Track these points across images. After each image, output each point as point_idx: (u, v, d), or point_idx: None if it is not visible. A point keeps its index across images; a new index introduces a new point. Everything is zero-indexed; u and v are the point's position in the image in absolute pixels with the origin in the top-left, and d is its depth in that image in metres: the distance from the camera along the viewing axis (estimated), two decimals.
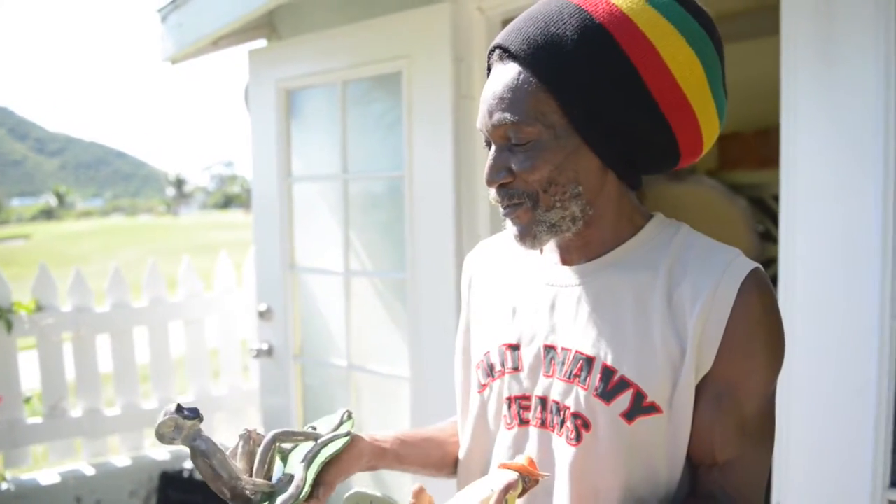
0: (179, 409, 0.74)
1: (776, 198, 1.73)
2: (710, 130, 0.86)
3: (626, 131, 0.83)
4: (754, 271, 0.83)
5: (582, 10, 0.80)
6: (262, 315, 2.86)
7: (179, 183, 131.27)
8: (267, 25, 3.03)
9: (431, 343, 2.32)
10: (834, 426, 1.53)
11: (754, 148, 3.37)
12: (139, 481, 3.10)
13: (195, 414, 0.74)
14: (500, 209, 0.89)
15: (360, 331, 2.64)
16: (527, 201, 0.85)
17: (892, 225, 1.44)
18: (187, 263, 3.40)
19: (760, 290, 0.82)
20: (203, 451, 0.74)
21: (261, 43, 3.07)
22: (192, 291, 3.38)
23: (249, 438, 0.81)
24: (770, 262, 2.25)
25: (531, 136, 0.82)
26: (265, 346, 2.85)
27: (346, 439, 0.88)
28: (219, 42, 2.97)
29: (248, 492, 0.76)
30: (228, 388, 3.48)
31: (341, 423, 0.91)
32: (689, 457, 0.86)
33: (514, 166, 0.84)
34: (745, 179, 3.60)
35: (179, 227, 41.25)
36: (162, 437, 0.74)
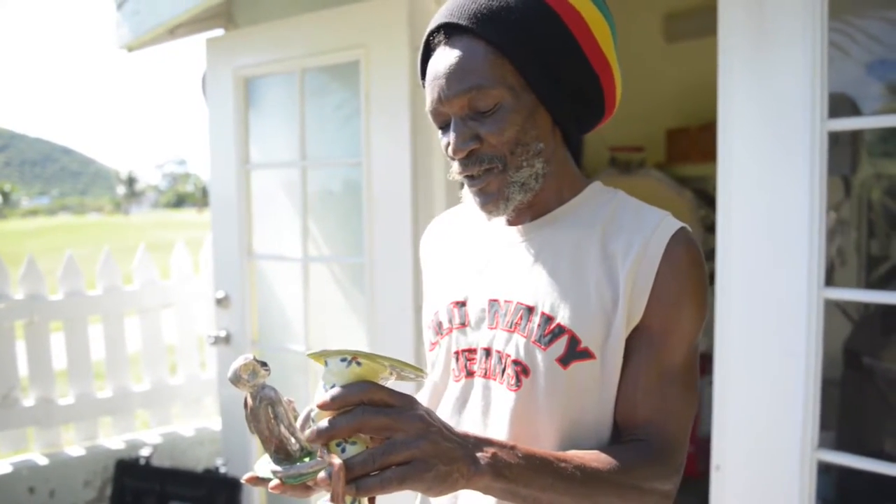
0: (255, 359, 0.79)
1: None
2: (619, 89, 0.97)
3: (569, 85, 0.91)
4: (682, 229, 0.91)
5: None
6: (219, 302, 2.87)
7: (130, 181, 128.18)
8: (224, 14, 3.04)
9: (388, 326, 2.37)
10: (767, 392, 1.63)
11: (699, 142, 3.50)
12: (94, 471, 3.06)
13: (267, 367, 0.80)
14: (466, 181, 0.94)
15: (318, 316, 2.68)
16: (497, 164, 0.91)
17: (818, 206, 1.55)
18: (142, 252, 3.37)
19: (687, 246, 0.90)
20: (271, 397, 0.79)
21: (217, 32, 3.08)
22: (147, 280, 3.35)
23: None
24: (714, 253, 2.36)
25: (497, 98, 0.88)
26: (223, 334, 2.86)
27: None
28: (175, 31, 2.97)
29: (294, 446, 0.80)
30: (186, 377, 3.46)
31: None
32: (614, 413, 0.92)
33: (481, 132, 0.90)
34: (691, 172, 3.73)
35: (131, 226, 40.36)
36: (238, 378, 0.77)
